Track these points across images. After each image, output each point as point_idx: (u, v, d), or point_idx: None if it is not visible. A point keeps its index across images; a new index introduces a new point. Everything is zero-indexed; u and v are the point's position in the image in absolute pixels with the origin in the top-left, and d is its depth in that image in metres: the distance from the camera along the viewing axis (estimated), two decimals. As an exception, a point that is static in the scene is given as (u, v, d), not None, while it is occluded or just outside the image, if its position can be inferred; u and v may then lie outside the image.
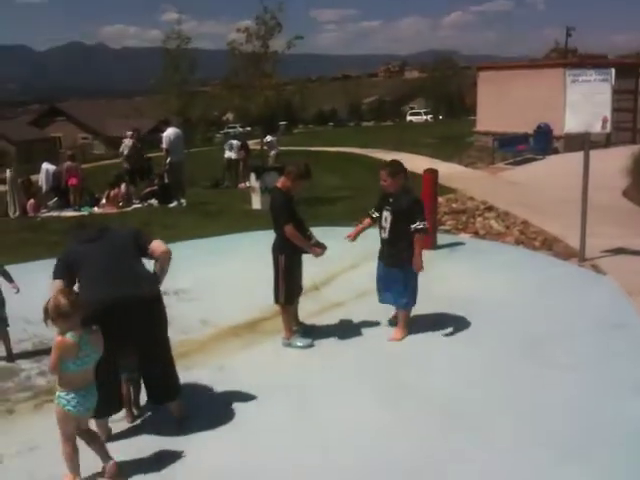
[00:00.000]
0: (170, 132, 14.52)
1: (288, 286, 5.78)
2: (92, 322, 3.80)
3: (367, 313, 6.36)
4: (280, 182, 5.79)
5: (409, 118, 70.25)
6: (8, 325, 5.81)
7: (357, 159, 23.26)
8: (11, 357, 5.77)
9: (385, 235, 5.80)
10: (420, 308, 6.50)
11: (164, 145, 14.50)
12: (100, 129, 63.64)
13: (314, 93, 58.88)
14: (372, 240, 6.13)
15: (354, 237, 5.98)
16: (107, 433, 4.33)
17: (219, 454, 4.14)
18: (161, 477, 3.94)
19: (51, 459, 4.14)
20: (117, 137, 56.31)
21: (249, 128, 47.36)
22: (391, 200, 5.68)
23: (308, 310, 6.63)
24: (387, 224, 5.73)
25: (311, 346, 5.81)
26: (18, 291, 5.71)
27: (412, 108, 79.00)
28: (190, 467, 4.03)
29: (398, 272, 5.77)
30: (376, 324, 6.25)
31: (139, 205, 14.92)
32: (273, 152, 19.80)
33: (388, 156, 23.74)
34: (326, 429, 4.39)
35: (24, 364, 5.67)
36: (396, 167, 5.69)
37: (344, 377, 5.21)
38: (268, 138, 19.57)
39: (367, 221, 6.08)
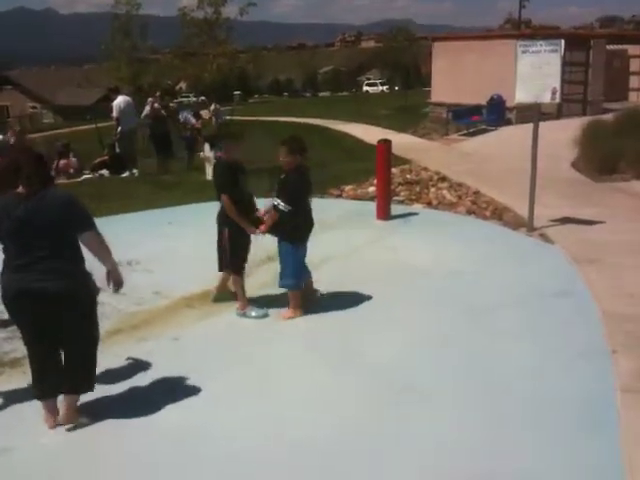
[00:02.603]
0: (120, 100, 14.21)
1: (233, 256, 5.81)
2: None
3: (319, 283, 6.40)
4: (221, 153, 5.82)
5: (365, 88, 70.13)
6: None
7: (313, 130, 23.15)
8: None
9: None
10: (371, 278, 6.60)
11: (114, 114, 14.20)
12: (50, 98, 61.83)
13: (269, 62, 58.26)
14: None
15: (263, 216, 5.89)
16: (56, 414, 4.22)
17: (175, 424, 4.16)
18: (117, 446, 3.96)
19: (3, 430, 4.14)
20: (67, 106, 54.98)
21: (203, 97, 46.58)
22: (282, 176, 5.71)
23: (262, 281, 6.67)
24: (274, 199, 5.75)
25: (266, 316, 5.85)
26: None
27: (368, 79, 78.92)
28: (147, 435, 4.05)
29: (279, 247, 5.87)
30: (329, 294, 6.30)
31: (89, 175, 14.62)
32: (219, 121, 19.52)
33: (345, 127, 23.80)
34: (279, 400, 4.44)
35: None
36: (293, 145, 5.65)
37: (296, 347, 5.28)
38: (213, 107, 19.26)
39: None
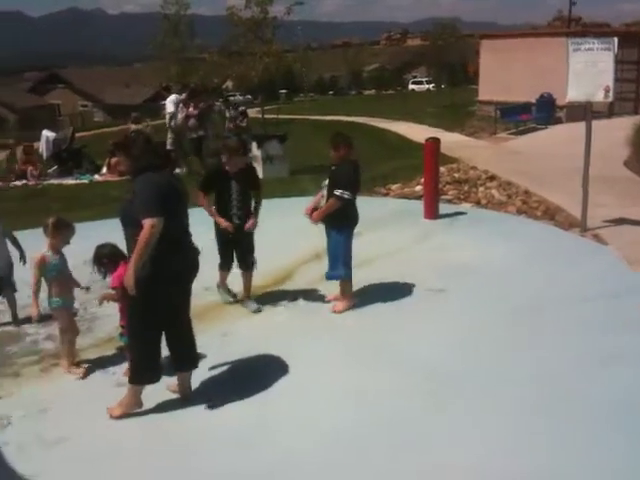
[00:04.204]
0: (172, 98, 14.40)
1: (219, 253, 6.04)
2: None
3: (367, 280, 6.39)
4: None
5: (411, 87, 69.65)
6: (16, 290, 5.87)
7: (359, 128, 23.11)
8: (17, 322, 5.84)
9: (322, 203, 5.87)
10: (417, 277, 6.56)
11: (169, 109, 14.32)
12: (99, 96, 63.11)
13: (315, 61, 58.25)
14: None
15: (311, 213, 5.90)
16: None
17: (221, 419, 4.21)
18: (165, 438, 4.03)
19: (59, 422, 4.24)
20: (115, 105, 56.03)
21: (249, 96, 46.94)
22: (333, 169, 5.79)
23: (311, 277, 6.70)
24: (324, 191, 5.84)
25: (258, 311, 5.96)
26: (24, 263, 5.74)
27: (414, 77, 78.40)
28: (193, 431, 4.10)
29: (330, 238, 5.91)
30: (375, 290, 6.29)
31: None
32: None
33: (391, 125, 23.70)
34: (321, 394, 4.46)
35: (30, 329, 5.73)
36: (338, 140, 5.75)
37: (340, 343, 5.29)
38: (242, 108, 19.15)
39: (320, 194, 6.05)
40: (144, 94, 56.07)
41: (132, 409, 4.25)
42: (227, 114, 19.63)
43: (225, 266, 6.11)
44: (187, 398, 4.44)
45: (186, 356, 4.45)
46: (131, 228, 3.98)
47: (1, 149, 16.88)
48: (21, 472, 3.72)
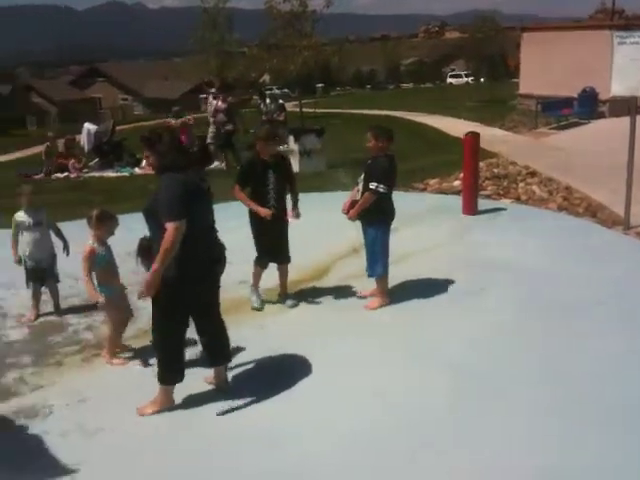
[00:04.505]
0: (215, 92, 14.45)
1: (256, 248, 5.97)
2: None
3: (403, 276, 6.35)
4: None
5: (449, 80, 68.87)
6: (59, 281, 5.99)
7: (396, 122, 22.98)
8: (59, 312, 5.96)
9: (358, 196, 5.80)
10: (455, 273, 6.49)
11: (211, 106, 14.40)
12: (139, 90, 63.90)
13: (352, 54, 58.00)
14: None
15: (349, 209, 5.86)
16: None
17: (249, 417, 4.23)
18: (202, 435, 4.07)
19: (99, 411, 4.32)
20: (155, 98, 56.70)
21: (286, 90, 47.01)
22: (369, 162, 5.73)
23: (347, 272, 6.69)
24: (360, 185, 5.77)
25: (259, 309, 5.95)
26: (68, 254, 5.86)
27: (452, 70, 77.42)
28: (220, 428, 4.13)
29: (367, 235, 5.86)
30: (410, 287, 6.25)
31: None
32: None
33: (428, 119, 23.51)
34: (355, 390, 4.44)
35: (71, 319, 5.86)
36: (379, 130, 5.71)
37: (375, 338, 5.26)
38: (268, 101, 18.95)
39: (356, 189, 5.97)
40: (183, 88, 56.56)
41: (164, 407, 4.29)
42: (262, 107, 19.69)
43: (262, 261, 6.06)
44: (224, 390, 4.48)
45: (219, 351, 4.49)
46: (153, 221, 4.03)
47: (40, 143, 17.17)
48: (62, 460, 3.80)
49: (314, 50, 15.97)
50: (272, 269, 6.12)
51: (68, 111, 48.81)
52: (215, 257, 4.22)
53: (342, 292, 6.23)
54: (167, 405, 4.29)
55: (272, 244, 5.98)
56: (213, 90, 15.72)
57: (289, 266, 6.13)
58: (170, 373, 4.25)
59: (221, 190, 5.96)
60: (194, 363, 4.76)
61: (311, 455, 3.76)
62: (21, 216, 5.81)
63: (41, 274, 5.87)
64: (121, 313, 5.12)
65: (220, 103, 14.23)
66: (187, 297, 4.08)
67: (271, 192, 5.83)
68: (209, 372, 4.56)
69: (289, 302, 6.04)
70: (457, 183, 10.37)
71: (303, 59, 15.85)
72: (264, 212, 5.70)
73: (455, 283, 6.29)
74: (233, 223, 5.80)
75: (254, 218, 5.85)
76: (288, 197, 6.02)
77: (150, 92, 62.18)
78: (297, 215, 5.99)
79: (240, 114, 15.82)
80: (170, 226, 3.83)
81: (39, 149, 16.46)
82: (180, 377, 4.28)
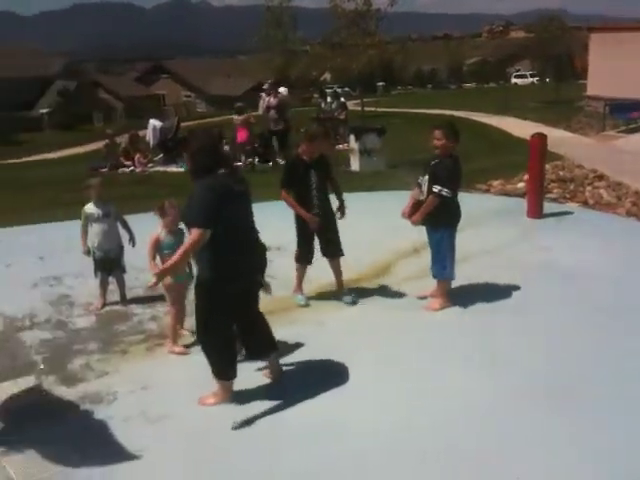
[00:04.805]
0: (281, 90, 14.55)
1: (298, 247, 5.98)
2: None
3: (465, 278, 6.25)
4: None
5: (514, 80, 67.53)
6: (125, 272, 6.15)
7: (458, 122, 22.72)
8: (125, 302, 6.12)
9: (422, 197, 5.68)
10: (517, 277, 6.35)
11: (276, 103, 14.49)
12: (203, 87, 64.92)
13: (414, 53, 57.62)
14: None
15: (410, 213, 5.78)
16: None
17: (311, 410, 4.24)
18: (257, 429, 4.11)
19: (162, 399, 4.41)
20: (218, 95, 57.56)
21: (347, 89, 47.03)
22: (433, 162, 5.58)
23: (408, 272, 6.64)
24: (424, 186, 5.62)
25: (306, 305, 5.96)
26: (134, 245, 6.02)
27: (517, 70, 75.90)
28: (286, 422, 4.15)
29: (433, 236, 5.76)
30: (472, 289, 6.15)
31: (239, 163, 15.11)
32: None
33: (491, 120, 23.14)
34: (412, 392, 4.40)
35: (136, 309, 6.00)
36: (450, 130, 5.56)
37: (434, 340, 5.20)
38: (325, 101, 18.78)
39: (417, 191, 5.85)
40: (245, 85, 57.19)
41: (224, 400, 4.33)
42: (323, 106, 19.75)
43: (303, 259, 6.05)
44: (278, 380, 4.54)
45: (262, 345, 4.53)
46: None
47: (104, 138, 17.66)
48: (125, 445, 3.89)
49: (378, 49, 15.91)
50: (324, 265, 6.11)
51: (133, 107, 49.97)
52: (253, 259, 4.21)
53: (402, 292, 6.18)
54: (227, 398, 4.34)
55: (323, 241, 6.00)
56: (265, 86, 15.80)
57: (349, 265, 6.11)
58: (223, 371, 4.30)
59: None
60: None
61: (357, 453, 3.75)
62: (90, 208, 5.99)
63: (109, 264, 6.04)
64: (182, 300, 5.22)
65: (272, 99, 14.28)
66: (224, 297, 4.11)
67: (314, 192, 5.85)
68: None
69: (347, 299, 6.03)
70: (521, 185, 10.16)
71: (367, 57, 15.79)
72: (310, 220, 5.77)
73: (517, 286, 6.15)
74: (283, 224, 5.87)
75: (298, 217, 5.89)
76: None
77: (213, 89, 63.07)
78: (342, 215, 5.99)
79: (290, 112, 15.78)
80: (194, 232, 3.94)
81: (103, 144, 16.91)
82: (233, 373, 4.33)
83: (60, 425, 4.15)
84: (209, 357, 4.30)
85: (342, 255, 6.08)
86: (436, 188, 5.45)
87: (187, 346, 5.20)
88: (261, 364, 4.76)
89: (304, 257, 6.04)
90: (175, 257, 4.08)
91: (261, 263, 4.34)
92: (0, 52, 56.13)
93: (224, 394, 4.33)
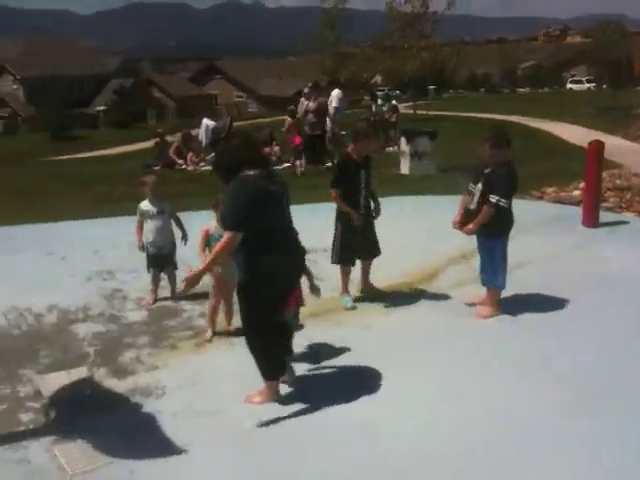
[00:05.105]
0: (338, 92, 14.54)
1: (340, 248, 5.96)
2: None
3: (516, 286, 6.13)
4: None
5: (569, 86, 66.34)
6: (176, 268, 6.24)
7: (511, 127, 22.36)
8: (175, 298, 6.21)
9: (472, 206, 5.57)
10: (569, 286, 6.21)
11: (333, 104, 14.48)
12: (254, 88, 65.56)
13: (466, 56, 56.98)
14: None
15: (460, 222, 5.68)
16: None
17: (348, 412, 4.23)
18: (300, 429, 4.11)
19: (209, 395, 4.46)
20: (269, 96, 58.05)
21: (398, 91, 46.81)
22: (487, 171, 5.46)
23: (456, 278, 6.56)
24: (476, 194, 5.52)
25: (353, 308, 5.91)
26: (186, 243, 6.11)
27: (573, 75, 74.47)
28: (325, 422, 4.15)
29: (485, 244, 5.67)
30: (524, 298, 6.02)
31: (288, 164, 15.11)
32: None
33: (545, 126, 22.70)
34: (460, 399, 4.33)
35: (186, 305, 6.08)
36: (498, 138, 5.46)
37: (482, 346, 5.11)
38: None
39: (467, 198, 5.74)
40: (296, 86, 57.51)
41: (270, 399, 4.35)
42: (373, 108, 19.71)
43: (347, 259, 6.05)
44: (293, 383, 4.55)
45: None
46: None
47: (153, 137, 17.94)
48: (173, 439, 3.94)
49: (432, 51, 15.78)
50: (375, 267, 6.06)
51: (185, 106, 50.81)
52: (288, 260, 4.16)
53: (450, 298, 6.11)
54: (273, 397, 4.36)
55: (361, 240, 6.00)
56: (305, 90, 15.76)
57: (397, 269, 6.08)
58: (268, 370, 4.31)
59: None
60: (302, 357, 4.85)
61: (388, 456, 3.73)
62: (146, 205, 6.10)
63: (161, 261, 6.15)
64: (224, 292, 5.31)
65: (311, 103, 14.22)
66: (260, 299, 4.11)
67: (362, 192, 5.87)
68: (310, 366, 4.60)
69: (347, 300, 6.01)
70: (577, 193, 9.94)
71: (421, 60, 15.68)
72: (356, 218, 5.80)
73: (570, 296, 5.99)
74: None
75: (343, 216, 5.90)
76: None
77: (264, 90, 63.66)
78: (377, 215, 6.09)
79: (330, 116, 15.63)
80: (225, 235, 3.99)
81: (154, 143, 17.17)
82: (281, 372, 4.35)
83: (110, 417, 4.24)
84: (255, 357, 4.32)
85: (379, 254, 6.11)
86: (493, 198, 5.36)
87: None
88: (310, 365, 4.79)
89: (348, 258, 6.05)
90: (205, 261, 4.15)
91: (299, 266, 4.32)
92: (58, 50, 57.83)
93: (270, 393, 4.35)
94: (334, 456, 3.76)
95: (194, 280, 4.10)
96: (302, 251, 4.33)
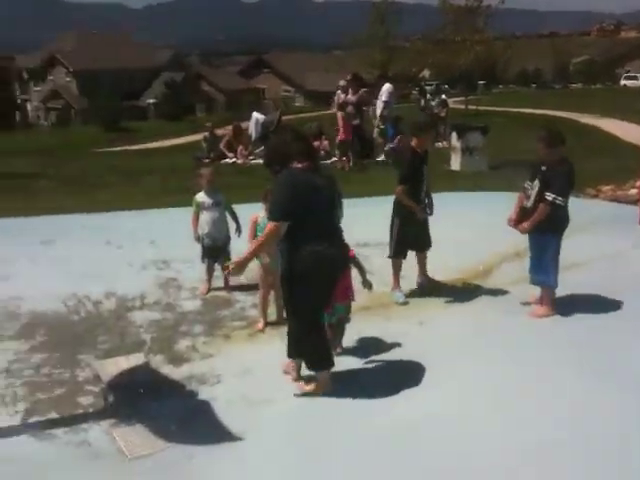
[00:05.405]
0: (389, 86, 14.47)
1: (398, 243, 5.98)
2: None
3: (571, 286, 6.02)
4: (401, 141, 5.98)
5: (623, 82, 64.47)
6: (230, 259, 6.31)
7: (563, 124, 21.92)
8: (228, 288, 6.30)
9: (529, 204, 5.47)
10: (626, 286, 6.09)
11: (384, 97, 14.42)
12: (302, 82, 65.60)
13: (517, 51, 55.93)
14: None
15: (516, 221, 5.60)
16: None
17: (403, 407, 4.23)
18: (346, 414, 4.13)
19: (263, 384, 4.51)
20: (315, 91, 58.00)
21: (446, 86, 46.25)
22: (544, 169, 5.37)
23: (510, 276, 6.49)
24: (533, 192, 5.43)
25: (405, 304, 5.91)
26: (240, 234, 6.19)
27: (627, 71, 72.36)
28: (379, 418, 4.16)
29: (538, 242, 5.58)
30: (578, 298, 5.92)
31: (334, 159, 15.03)
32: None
33: (598, 122, 22.17)
34: (516, 402, 4.27)
35: (239, 296, 6.17)
36: (552, 137, 5.38)
37: (542, 348, 5.03)
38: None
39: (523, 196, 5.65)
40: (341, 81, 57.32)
41: (321, 391, 4.39)
42: (422, 102, 19.54)
43: (400, 252, 6.07)
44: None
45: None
46: None
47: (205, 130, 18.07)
48: (228, 427, 4.02)
49: (486, 45, 15.57)
50: (431, 266, 6.03)
51: (234, 100, 51.22)
52: (331, 252, 4.17)
53: (504, 296, 6.06)
54: (325, 388, 4.39)
55: (417, 234, 6.03)
56: (342, 83, 15.67)
57: (451, 265, 6.05)
58: (316, 360, 4.38)
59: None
60: (353, 351, 4.88)
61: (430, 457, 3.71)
62: (202, 197, 6.20)
63: (215, 252, 6.24)
64: (271, 282, 5.37)
65: (350, 96, 14.14)
66: (303, 290, 4.17)
67: (424, 185, 5.87)
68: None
69: (399, 295, 6.01)
70: (633, 191, 9.70)
71: (475, 54, 15.49)
72: (419, 211, 5.86)
73: (626, 298, 5.86)
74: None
75: (402, 209, 5.90)
76: None
77: (310, 84, 63.60)
78: (431, 211, 6.18)
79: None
80: (269, 225, 4.10)
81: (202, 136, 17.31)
82: (329, 363, 4.38)
83: (167, 403, 4.33)
84: (301, 348, 4.39)
85: (431, 247, 6.18)
86: (550, 196, 5.28)
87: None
88: (361, 359, 4.81)
89: (401, 252, 6.07)
90: (250, 248, 4.27)
91: (341, 259, 4.34)
92: (110, 43, 58.92)
93: (322, 384, 4.39)
94: (381, 451, 3.78)
95: (240, 266, 4.22)
96: (344, 248, 4.40)
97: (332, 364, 4.41)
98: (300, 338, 4.35)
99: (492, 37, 16.45)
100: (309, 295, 4.19)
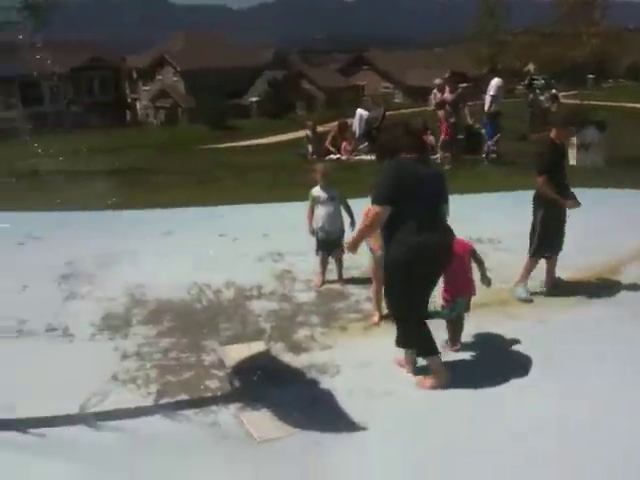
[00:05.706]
0: (498, 81, 14.15)
1: (538, 241, 5.74)
2: None
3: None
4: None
5: None
6: (344, 253, 6.37)
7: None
8: (342, 281, 6.36)
9: None
10: None
11: (492, 92, 14.11)
12: (400, 79, 65.15)
13: (630, 44, 53.12)
14: None
15: None
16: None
17: (522, 406, 4.15)
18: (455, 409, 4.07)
19: (382, 377, 4.54)
20: (414, 87, 57.41)
21: (552, 80, 44.58)
22: None
23: (638, 278, 6.19)
24: None
25: (527, 301, 5.72)
26: (354, 229, 6.22)
27: None
28: (499, 417, 4.09)
29: None
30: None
31: (437, 155, 14.72)
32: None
33: None
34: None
35: (352, 289, 6.21)
36: None
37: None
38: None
39: None
40: (443, 77, 56.49)
41: (443, 379, 4.37)
42: (530, 97, 18.93)
43: (540, 253, 5.86)
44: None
45: None
46: None
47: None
48: (350, 416, 4.07)
49: (601, 38, 14.92)
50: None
51: (334, 98, 51.50)
52: (433, 242, 4.15)
53: (632, 296, 5.79)
54: (444, 379, 4.37)
55: (558, 231, 5.81)
56: (437, 81, 15.37)
57: (580, 262, 5.84)
58: (425, 347, 4.39)
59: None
60: (473, 346, 4.81)
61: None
62: (317, 191, 6.30)
63: (330, 245, 6.31)
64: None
65: (447, 94, 13.82)
66: (403, 279, 4.19)
67: (566, 179, 5.66)
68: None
69: (521, 292, 5.83)
70: None
71: (591, 47, 14.89)
72: (571, 204, 5.61)
73: None
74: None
75: (547, 206, 5.67)
76: None
77: (409, 80, 62.99)
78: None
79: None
80: (372, 208, 4.19)
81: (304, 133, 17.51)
82: (433, 348, 4.37)
83: (288, 390, 4.42)
84: (407, 337, 4.41)
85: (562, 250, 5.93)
86: None
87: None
88: (479, 354, 4.74)
89: (542, 252, 5.86)
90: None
91: (442, 250, 4.27)
92: (215, 44, 60.75)
93: (440, 377, 4.38)
94: (502, 447, 3.74)
95: (352, 246, 4.44)
96: (448, 238, 4.33)
97: (434, 350, 4.39)
98: (404, 327, 4.39)
99: (609, 30, 15.68)
100: (408, 285, 4.21)
